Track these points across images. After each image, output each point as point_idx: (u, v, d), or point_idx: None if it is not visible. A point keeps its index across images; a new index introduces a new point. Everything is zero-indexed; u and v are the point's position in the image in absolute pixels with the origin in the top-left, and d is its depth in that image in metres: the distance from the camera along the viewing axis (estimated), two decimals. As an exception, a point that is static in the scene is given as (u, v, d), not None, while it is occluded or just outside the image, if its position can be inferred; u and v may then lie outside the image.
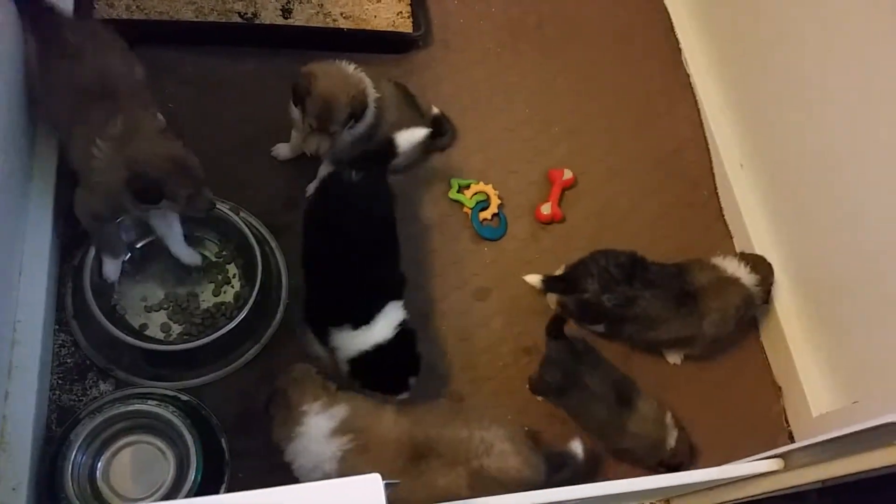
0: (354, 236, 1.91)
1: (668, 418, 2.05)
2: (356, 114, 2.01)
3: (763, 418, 2.22)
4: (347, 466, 1.69)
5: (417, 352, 1.94)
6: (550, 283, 2.18)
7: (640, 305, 2.06)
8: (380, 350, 1.86)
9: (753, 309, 2.23)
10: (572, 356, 2.03)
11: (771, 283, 2.23)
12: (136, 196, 1.73)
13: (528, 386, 2.13)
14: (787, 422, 2.22)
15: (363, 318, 1.86)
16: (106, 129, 1.73)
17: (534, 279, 2.21)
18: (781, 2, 2.28)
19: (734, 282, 2.14)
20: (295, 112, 2.06)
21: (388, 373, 1.89)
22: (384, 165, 2.03)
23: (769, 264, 2.25)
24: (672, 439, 2.02)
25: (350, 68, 2.04)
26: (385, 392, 1.89)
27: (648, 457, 2.04)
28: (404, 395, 1.90)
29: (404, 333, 1.89)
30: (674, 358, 2.25)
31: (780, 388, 2.26)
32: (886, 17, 1.88)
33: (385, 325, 1.87)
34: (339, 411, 1.73)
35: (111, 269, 1.99)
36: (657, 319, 2.08)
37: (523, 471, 1.73)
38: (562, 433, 2.05)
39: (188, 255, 2.06)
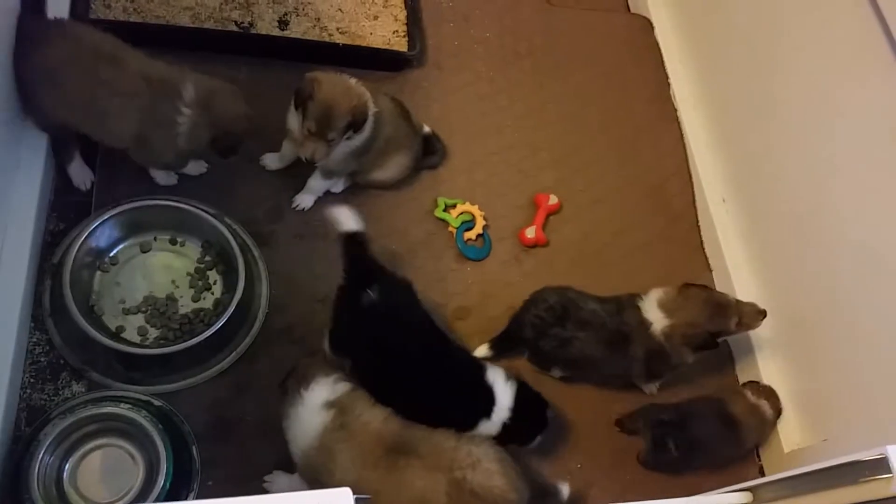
0: (420, 353, 1.91)
1: (766, 410, 2.11)
2: (356, 124, 2.02)
3: (734, 452, 2.24)
4: (325, 440, 1.71)
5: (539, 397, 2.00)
6: (497, 346, 2.16)
7: (576, 346, 2.03)
8: (515, 414, 1.91)
9: (669, 360, 2.04)
10: (679, 428, 2.03)
11: (704, 328, 1.98)
12: (221, 153, 2.05)
13: (641, 461, 2.12)
14: (758, 456, 2.24)
15: (489, 404, 1.91)
16: (182, 96, 1.92)
17: (483, 350, 2.16)
18: (771, 43, 2.34)
19: (646, 328, 2.01)
20: (292, 120, 2.07)
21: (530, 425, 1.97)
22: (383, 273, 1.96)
23: (714, 304, 2.00)
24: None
25: (352, 81, 2.05)
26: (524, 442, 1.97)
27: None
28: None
29: (520, 386, 1.95)
30: (649, 388, 2.25)
31: (752, 422, 2.28)
32: (871, 59, 1.93)
33: (504, 392, 1.92)
34: (341, 387, 1.77)
35: (165, 177, 2.17)
36: (595, 360, 2.05)
37: (508, 493, 1.71)
38: (537, 465, 2.06)
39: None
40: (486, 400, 1.91)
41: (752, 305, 2.06)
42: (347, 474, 1.69)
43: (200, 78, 1.98)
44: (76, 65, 1.87)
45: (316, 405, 1.74)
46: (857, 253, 1.97)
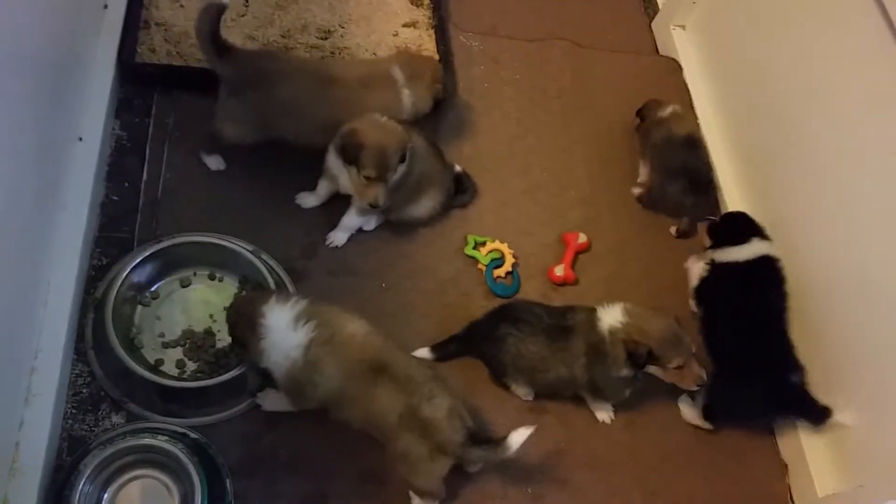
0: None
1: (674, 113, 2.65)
2: (404, 157, 2.10)
3: (767, 495, 2.20)
4: (311, 355, 1.80)
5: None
6: (439, 349, 2.18)
7: (512, 343, 2.05)
8: None
9: (606, 360, 1.98)
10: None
11: (649, 343, 1.91)
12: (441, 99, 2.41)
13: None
14: (791, 500, 2.20)
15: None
16: (396, 80, 2.25)
17: (423, 353, 2.17)
18: (802, 85, 2.37)
19: (593, 324, 2.00)
20: (332, 162, 2.14)
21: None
22: None
23: (674, 334, 1.94)
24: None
25: (384, 119, 2.11)
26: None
27: None
28: None
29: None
30: (602, 415, 2.19)
31: (786, 465, 2.24)
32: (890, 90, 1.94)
33: None
34: (299, 304, 1.85)
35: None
36: (536, 358, 2.04)
37: (443, 422, 1.78)
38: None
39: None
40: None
41: (701, 368, 1.99)
42: (331, 383, 1.82)
43: (397, 58, 2.30)
44: (308, 89, 2.16)
45: (285, 326, 1.82)
46: (892, 291, 1.96)
